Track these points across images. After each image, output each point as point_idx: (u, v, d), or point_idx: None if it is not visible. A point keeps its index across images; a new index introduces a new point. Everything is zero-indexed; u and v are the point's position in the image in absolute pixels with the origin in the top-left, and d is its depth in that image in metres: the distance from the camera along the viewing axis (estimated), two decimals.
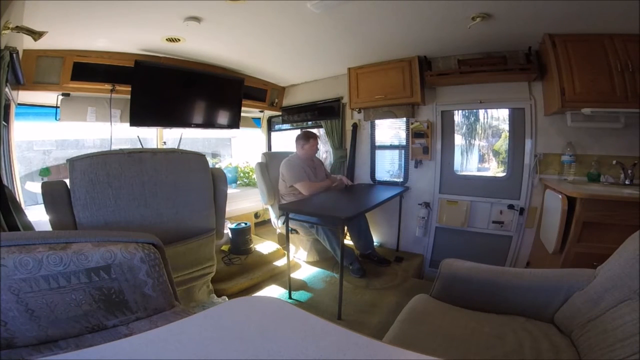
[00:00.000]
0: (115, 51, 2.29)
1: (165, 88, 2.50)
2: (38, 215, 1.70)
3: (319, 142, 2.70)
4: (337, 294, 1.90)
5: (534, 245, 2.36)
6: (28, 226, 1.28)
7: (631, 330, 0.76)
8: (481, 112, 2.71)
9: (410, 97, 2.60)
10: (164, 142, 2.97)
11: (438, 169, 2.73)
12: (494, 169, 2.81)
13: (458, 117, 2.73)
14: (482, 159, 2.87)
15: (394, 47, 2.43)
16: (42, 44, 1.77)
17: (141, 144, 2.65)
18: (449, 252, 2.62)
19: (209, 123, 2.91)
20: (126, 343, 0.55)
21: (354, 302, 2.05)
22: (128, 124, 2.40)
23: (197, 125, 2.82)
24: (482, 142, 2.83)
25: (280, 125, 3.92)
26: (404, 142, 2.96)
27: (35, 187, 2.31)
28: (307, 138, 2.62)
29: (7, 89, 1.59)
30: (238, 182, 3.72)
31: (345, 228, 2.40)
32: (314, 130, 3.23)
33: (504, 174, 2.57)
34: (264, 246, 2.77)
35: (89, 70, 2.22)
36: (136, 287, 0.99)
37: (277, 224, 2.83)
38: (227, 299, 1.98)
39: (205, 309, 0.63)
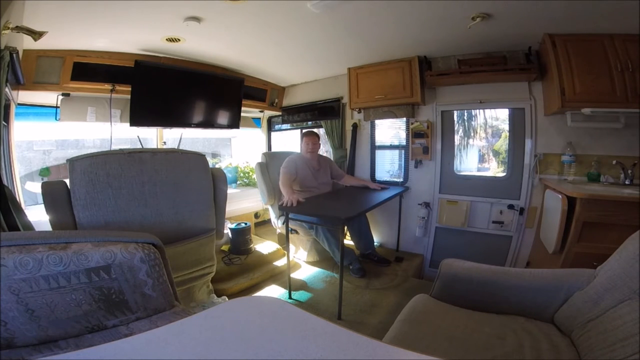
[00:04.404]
0: (115, 51, 2.29)
1: (165, 88, 2.50)
2: (38, 215, 1.70)
3: (319, 141, 2.70)
4: (337, 294, 1.90)
5: (534, 245, 2.36)
6: (28, 226, 1.28)
7: (631, 330, 0.76)
8: (481, 111, 2.71)
9: (410, 97, 2.60)
10: (164, 142, 2.97)
11: (438, 169, 2.73)
12: (494, 169, 2.81)
13: (458, 116, 2.73)
14: (482, 159, 2.87)
15: (394, 47, 2.43)
16: (42, 44, 1.77)
17: (141, 144, 2.65)
18: (449, 252, 2.62)
19: (209, 123, 2.91)
20: (126, 343, 0.55)
21: (354, 302, 2.05)
22: (128, 124, 2.40)
23: (197, 125, 2.82)
24: (482, 142, 2.83)
25: (280, 125, 3.92)
26: (404, 142, 2.96)
27: (35, 187, 2.31)
28: (302, 136, 2.67)
29: (7, 89, 1.59)
30: (238, 182, 3.72)
31: (345, 228, 2.40)
32: (315, 130, 3.21)
33: (504, 174, 2.57)
34: (264, 246, 2.77)
35: (89, 70, 2.22)
36: (136, 287, 0.99)
37: (277, 224, 2.84)
38: (227, 299, 1.98)
39: (205, 309, 0.63)
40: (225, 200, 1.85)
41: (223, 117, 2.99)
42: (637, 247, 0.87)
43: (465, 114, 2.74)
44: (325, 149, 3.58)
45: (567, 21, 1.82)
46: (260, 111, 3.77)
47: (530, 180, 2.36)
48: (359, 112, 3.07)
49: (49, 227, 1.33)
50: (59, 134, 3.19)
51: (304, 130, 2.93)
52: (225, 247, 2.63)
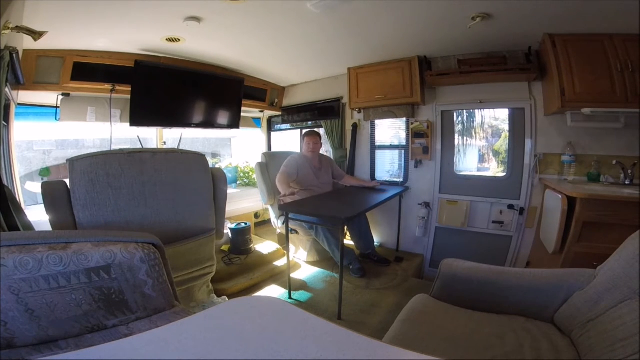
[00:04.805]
0: (115, 51, 2.29)
1: (165, 88, 2.50)
2: (38, 215, 1.70)
3: (320, 141, 2.71)
4: (337, 294, 1.90)
5: (534, 245, 2.36)
6: (28, 226, 1.28)
7: (631, 330, 0.76)
8: (481, 111, 2.71)
9: (410, 97, 2.60)
10: (164, 142, 2.97)
11: (438, 169, 2.73)
12: (494, 169, 2.81)
13: (458, 116, 2.73)
14: (482, 159, 2.87)
15: (394, 47, 2.43)
16: (42, 44, 1.77)
17: (141, 144, 2.65)
18: (449, 252, 2.62)
19: (209, 123, 2.91)
20: (126, 343, 0.55)
21: (354, 302, 2.05)
22: (128, 124, 2.40)
23: (197, 125, 2.82)
24: (482, 142, 2.83)
25: (280, 125, 3.93)
26: (404, 142, 2.96)
27: (35, 187, 2.31)
28: (303, 136, 2.69)
29: (7, 89, 1.59)
30: (238, 182, 3.72)
31: (345, 228, 2.40)
32: (316, 130, 3.22)
33: (504, 174, 2.57)
34: (264, 246, 2.77)
35: (89, 70, 2.22)
36: (136, 287, 0.99)
37: (277, 224, 2.84)
38: (227, 299, 1.98)
39: (205, 309, 0.63)
40: (225, 200, 1.85)
41: (223, 117, 2.99)
42: (637, 247, 0.87)
43: (465, 114, 2.74)
44: (326, 149, 3.57)
45: (567, 21, 1.82)
46: (260, 111, 3.77)
47: (530, 180, 2.36)
48: (359, 112, 3.07)
49: (49, 227, 1.33)
50: (59, 134, 3.18)
51: (305, 130, 2.96)
52: (225, 247, 2.63)
